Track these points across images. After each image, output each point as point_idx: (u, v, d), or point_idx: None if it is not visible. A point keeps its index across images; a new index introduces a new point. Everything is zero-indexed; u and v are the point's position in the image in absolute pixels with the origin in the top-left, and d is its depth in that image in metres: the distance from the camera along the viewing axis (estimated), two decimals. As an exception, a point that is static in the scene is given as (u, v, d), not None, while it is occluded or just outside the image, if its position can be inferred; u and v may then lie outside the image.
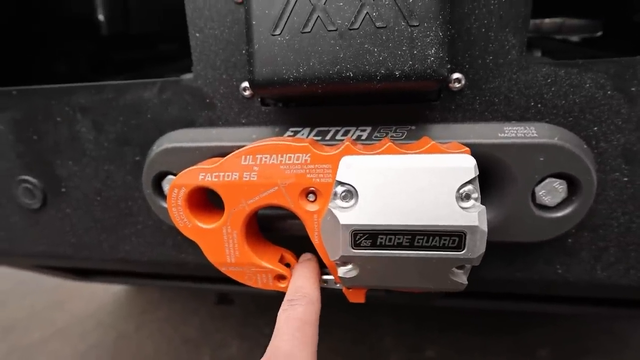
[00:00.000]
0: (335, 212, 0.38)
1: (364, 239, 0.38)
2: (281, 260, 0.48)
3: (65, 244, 0.63)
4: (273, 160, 0.41)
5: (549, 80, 0.43)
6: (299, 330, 0.36)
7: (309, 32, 0.39)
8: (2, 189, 0.63)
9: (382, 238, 0.38)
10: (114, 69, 1.04)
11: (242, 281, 0.47)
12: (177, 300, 1.52)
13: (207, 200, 0.48)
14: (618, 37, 0.67)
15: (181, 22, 0.50)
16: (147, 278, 0.85)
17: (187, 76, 0.52)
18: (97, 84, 0.54)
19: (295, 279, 0.44)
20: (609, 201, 0.46)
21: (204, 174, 0.43)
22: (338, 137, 0.47)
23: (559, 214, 0.44)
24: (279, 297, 0.51)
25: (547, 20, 0.61)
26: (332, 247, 0.39)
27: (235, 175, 0.42)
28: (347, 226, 0.38)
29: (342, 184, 0.38)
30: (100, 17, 1.09)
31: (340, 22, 0.39)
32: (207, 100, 0.51)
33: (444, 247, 0.37)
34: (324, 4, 0.39)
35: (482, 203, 0.37)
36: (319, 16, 0.39)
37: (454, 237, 0.37)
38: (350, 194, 0.38)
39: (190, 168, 0.43)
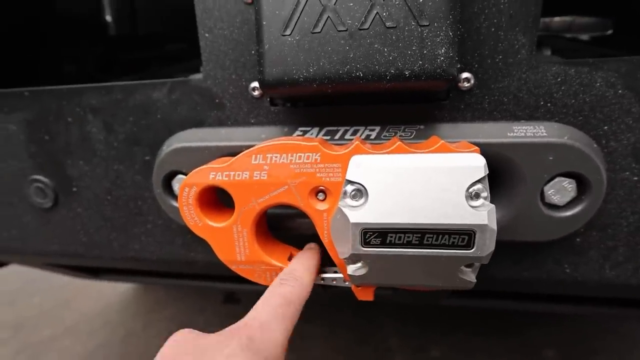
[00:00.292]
0: (345, 210, 0.38)
1: (374, 238, 0.38)
2: (290, 258, 0.48)
3: (77, 243, 0.64)
4: (283, 159, 0.41)
5: (558, 80, 0.43)
6: (281, 306, 0.36)
7: (319, 32, 0.40)
8: (14, 188, 0.64)
9: (391, 236, 0.38)
10: (122, 70, 1.05)
11: (251, 279, 0.48)
12: (183, 299, 1.53)
13: (217, 199, 0.49)
14: (629, 35, 0.67)
15: (189, 22, 0.50)
16: (157, 276, 0.86)
17: (197, 76, 0.52)
18: (107, 84, 0.55)
19: (293, 262, 0.44)
20: (618, 200, 0.46)
21: (214, 173, 0.43)
22: (347, 136, 0.47)
23: (568, 213, 0.44)
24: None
25: (556, 19, 0.60)
26: (342, 245, 0.40)
27: (246, 174, 0.42)
28: (357, 225, 0.38)
29: (351, 182, 0.39)
30: (108, 17, 1.09)
31: (350, 22, 0.39)
32: (217, 100, 0.51)
33: (453, 246, 0.37)
34: (334, 4, 0.39)
35: (491, 202, 0.37)
36: (329, 16, 0.39)
37: (464, 236, 0.37)
38: (360, 192, 0.39)
39: (201, 167, 0.44)
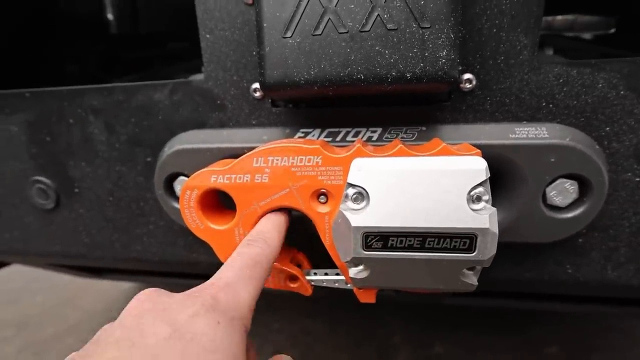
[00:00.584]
0: (347, 214, 0.38)
1: (375, 241, 0.38)
2: (292, 260, 0.48)
3: (79, 244, 0.64)
4: (284, 162, 0.41)
5: (561, 81, 0.43)
6: (248, 267, 0.35)
7: (320, 34, 0.40)
8: (16, 189, 0.64)
9: (393, 240, 0.38)
10: (123, 69, 1.05)
11: (253, 281, 0.48)
12: (186, 297, 1.53)
13: (218, 202, 0.49)
14: (632, 33, 0.66)
15: (190, 21, 0.50)
16: (159, 276, 0.86)
17: (198, 77, 0.52)
18: (108, 85, 0.55)
19: (262, 223, 0.43)
20: (620, 201, 0.46)
21: (215, 176, 0.43)
22: (349, 138, 0.47)
23: (570, 214, 0.44)
24: (287, 294, 0.51)
25: (559, 18, 0.60)
26: (344, 248, 0.40)
27: (247, 177, 0.42)
28: (358, 228, 0.38)
29: (353, 186, 0.39)
30: (109, 16, 1.09)
31: (351, 24, 0.39)
32: (218, 102, 0.51)
33: (454, 249, 0.37)
34: (335, 6, 0.39)
35: (492, 204, 0.37)
36: (330, 18, 0.39)
37: (465, 239, 0.37)
38: (362, 196, 0.39)
39: (202, 170, 0.44)
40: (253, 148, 0.43)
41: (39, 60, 0.83)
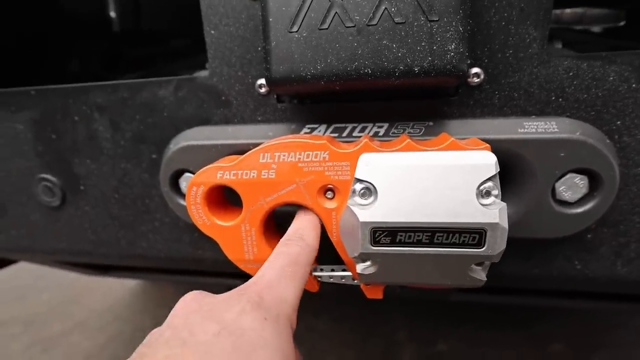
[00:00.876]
0: (354, 209, 0.38)
1: (384, 236, 0.38)
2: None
3: (84, 241, 0.65)
4: (291, 157, 0.41)
5: (570, 74, 0.42)
6: (289, 265, 0.35)
7: (327, 28, 0.39)
8: (22, 187, 0.64)
9: (401, 235, 0.37)
10: (126, 66, 1.05)
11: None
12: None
13: (224, 198, 0.48)
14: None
15: (193, 18, 0.50)
16: (165, 273, 0.86)
17: (202, 73, 0.52)
18: (113, 82, 0.55)
19: (298, 222, 0.42)
20: (631, 196, 0.45)
21: (222, 172, 0.43)
22: (355, 133, 0.47)
23: (580, 209, 0.44)
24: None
25: (567, 11, 0.59)
26: (351, 244, 0.39)
27: (254, 173, 0.42)
28: (366, 223, 0.38)
29: (360, 181, 0.38)
30: (112, 13, 1.09)
31: (358, 18, 0.38)
32: (223, 98, 0.51)
33: (463, 244, 0.37)
34: (342, -1, 0.38)
35: (501, 199, 0.37)
36: (336, 12, 0.39)
37: (474, 234, 0.36)
38: (369, 191, 0.38)
39: (209, 166, 0.44)
40: (259, 144, 0.43)
41: (41, 58, 0.83)
